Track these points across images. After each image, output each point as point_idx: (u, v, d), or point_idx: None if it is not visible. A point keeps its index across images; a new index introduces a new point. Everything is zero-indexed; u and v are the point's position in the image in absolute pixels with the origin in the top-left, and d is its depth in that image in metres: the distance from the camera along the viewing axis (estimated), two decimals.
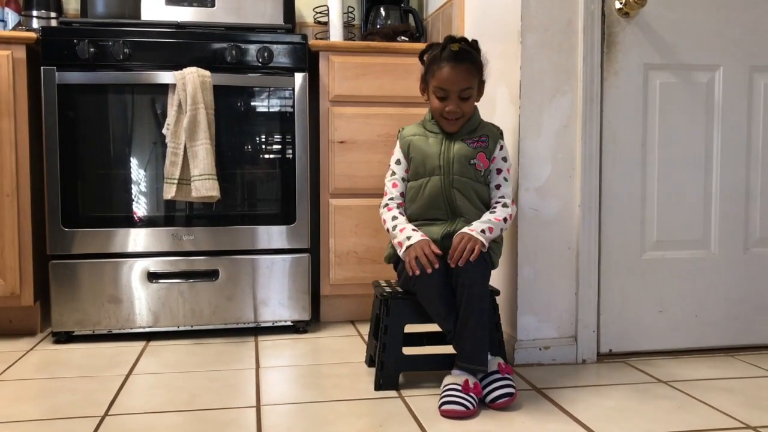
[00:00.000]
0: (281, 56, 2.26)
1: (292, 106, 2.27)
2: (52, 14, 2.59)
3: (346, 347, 2.15)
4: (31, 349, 2.14)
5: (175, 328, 2.25)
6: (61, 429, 1.50)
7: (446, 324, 1.67)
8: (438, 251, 1.65)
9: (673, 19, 2.00)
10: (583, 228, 1.96)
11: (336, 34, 2.62)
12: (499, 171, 1.79)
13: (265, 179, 2.29)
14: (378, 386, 1.74)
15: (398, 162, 1.83)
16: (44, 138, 2.14)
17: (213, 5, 2.59)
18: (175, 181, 2.14)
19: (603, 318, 2.02)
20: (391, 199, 1.81)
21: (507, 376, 1.66)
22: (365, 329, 2.32)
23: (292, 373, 1.91)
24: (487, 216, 1.73)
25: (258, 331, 2.33)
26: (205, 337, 2.25)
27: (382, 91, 2.38)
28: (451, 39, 1.73)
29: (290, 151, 2.28)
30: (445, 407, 1.56)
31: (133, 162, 2.21)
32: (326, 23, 2.73)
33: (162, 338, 2.24)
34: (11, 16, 2.50)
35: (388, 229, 1.77)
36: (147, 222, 2.21)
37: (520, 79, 1.92)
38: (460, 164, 1.74)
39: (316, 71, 2.37)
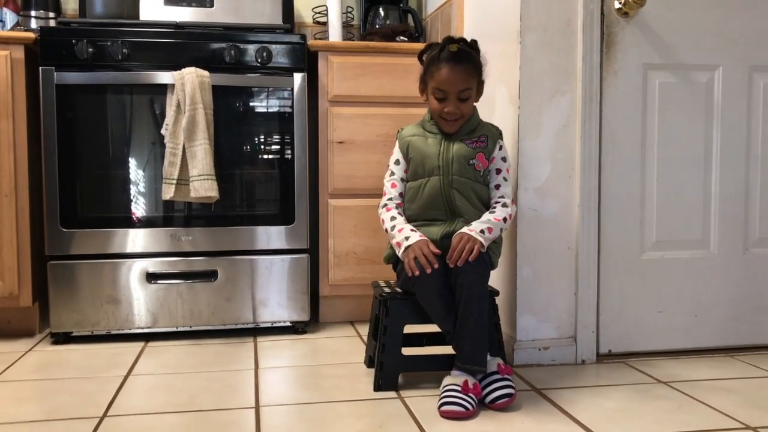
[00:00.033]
0: (280, 56, 2.25)
1: (291, 107, 2.27)
2: (51, 14, 2.58)
3: (346, 348, 2.15)
4: (30, 349, 2.14)
5: (174, 329, 2.25)
6: (60, 430, 1.50)
7: (445, 324, 1.67)
8: (437, 251, 1.65)
9: (673, 19, 2.00)
10: (583, 228, 1.96)
11: (335, 34, 2.62)
12: (498, 171, 1.79)
13: (264, 179, 2.29)
14: (377, 387, 1.74)
15: (397, 162, 1.83)
16: (43, 138, 2.14)
17: (212, 5, 2.58)
18: (174, 182, 2.14)
19: (602, 318, 2.02)
20: (390, 199, 1.81)
21: (506, 376, 1.65)
22: (364, 330, 2.31)
23: (291, 373, 1.91)
24: (486, 216, 1.72)
25: (257, 331, 2.33)
26: (204, 338, 2.25)
27: (381, 91, 2.37)
28: (449, 40, 1.73)
29: (289, 152, 2.28)
30: (445, 408, 1.56)
31: (132, 162, 2.21)
32: (325, 23, 2.73)
33: (161, 339, 2.23)
34: (9, 17, 2.49)
35: (386, 230, 1.77)
36: (146, 222, 2.21)
37: (520, 79, 1.92)
38: (459, 164, 1.73)
39: (315, 71, 2.36)
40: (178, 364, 1.98)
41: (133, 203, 2.21)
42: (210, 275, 2.24)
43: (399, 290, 1.81)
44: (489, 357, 1.68)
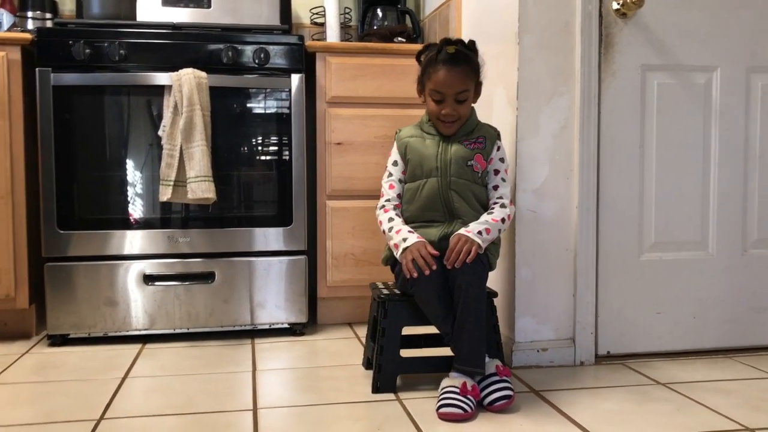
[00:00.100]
0: (278, 57, 2.25)
1: (289, 108, 2.26)
2: (48, 15, 2.58)
3: (344, 350, 2.14)
4: (26, 352, 2.13)
5: (172, 331, 2.24)
6: None
7: (444, 326, 1.67)
8: (435, 253, 1.64)
9: (671, 20, 2.00)
10: (581, 229, 1.95)
11: (333, 35, 2.62)
12: (496, 172, 1.79)
13: (262, 181, 2.28)
14: (375, 389, 1.73)
15: (395, 163, 1.82)
16: (39, 140, 2.13)
17: (209, 6, 2.58)
18: (171, 183, 2.14)
19: (601, 320, 2.01)
20: (388, 200, 1.81)
21: (505, 378, 1.65)
22: (362, 331, 2.31)
23: (289, 375, 1.90)
24: (484, 217, 1.72)
25: (255, 333, 2.32)
26: (202, 340, 2.24)
27: (379, 92, 2.37)
28: (447, 41, 1.72)
29: (287, 153, 2.27)
30: (443, 410, 1.55)
31: (129, 164, 2.20)
32: (323, 24, 2.73)
33: (158, 341, 2.23)
34: (6, 18, 2.49)
35: (384, 231, 1.77)
36: (143, 224, 2.20)
37: (518, 80, 1.92)
38: (458, 166, 1.73)
39: (312, 72, 2.36)
40: (176, 366, 1.97)
41: (130, 205, 2.20)
42: (207, 277, 2.24)
43: (397, 292, 1.81)
44: (487, 358, 1.68)
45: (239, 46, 2.22)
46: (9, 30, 2.48)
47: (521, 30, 1.91)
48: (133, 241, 2.19)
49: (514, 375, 1.86)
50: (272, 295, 2.28)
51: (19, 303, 2.20)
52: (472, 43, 1.77)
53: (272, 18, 2.63)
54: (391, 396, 1.71)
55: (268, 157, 2.28)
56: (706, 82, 2.05)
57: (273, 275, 2.28)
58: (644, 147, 2.02)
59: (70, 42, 2.12)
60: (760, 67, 2.07)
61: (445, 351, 1.72)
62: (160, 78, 2.16)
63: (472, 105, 1.79)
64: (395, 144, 1.84)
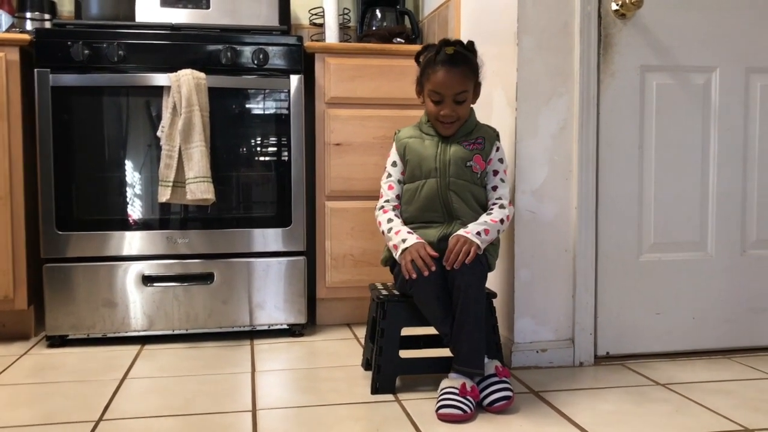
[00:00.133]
0: (277, 58, 2.25)
1: (288, 108, 2.26)
2: (46, 16, 2.57)
3: (343, 350, 2.14)
4: (25, 353, 2.12)
5: (170, 332, 2.24)
6: None
7: (443, 327, 1.67)
8: (434, 254, 1.64)
9: (670, 21, 2.00)
10: (580, 230, 1.95)
11: (332, 35, 2.62)
12: (495, 172, 1.78)
13: (261, 182, 2.28)
14: (375, 390, 1.73)
15: (394, 164, 1.82)
16: (38, 141, 2.13)
17: (208, 7, 2.57)
18: (170, 184, 2.13)
19: (600, 320, 2.01)
20: (387, 201, 1.81)
21: (504, 379, 1.65)
22: (362, 332, 2.31)
23: (289, 376, 1.90)
24: (483, 218, 1.72)
25: (254, 334, 2.32)
26: (201, 341, 2.24)
27: (378, 93, 2.37)
28: (445, 42, 1.72)
29: (286, 154, 2.27)
30: (443, 411, 1.55)
31: (128, 165, 2.20)
32: (322, 25, 2.73)
33: (157, 342, 2.23)
34: (4, 18, 2.48)
35: (383, 232, 1.76)
36: (142, 225, 2.20)
37: (517, 81, 1.92)
38: (457, 166, 1.73)
39: (311, 73, 2.36)
40: (175, 367, 1.97)
41: (129, 206, 2.20)
42: (206, 278, 2.24)
43: (396, 293, 1.81)
44: (487, 359, 1.67)
45: (238, 47, 2.22)
46: (7, 31, 2.48)
47: (520, 31, 1.91)
48: (132, 242, 2.19)
49: (513, 376, 1.86)
50: (271, 296, 2.28)
51: (17, 304, 2.20)
52: (470, 43, 1.77)
53: (271, 19, 2.63)
54: (391, 397, 1.71)
55: (266, 158, 2.28)
56: (705, 83, 2.05)
57: (272, 276, 2.27)
58: (643, 148, 2.02)
59: (69, 43, 2.12)
60: (759, 67, 2.07)
61: (445, 352, 1.72)
62: (159, 79, 2.16)
63: (471, 106, 1.79)
64: (394, 145, 1.84)
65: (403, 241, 1.68)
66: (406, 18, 2.78)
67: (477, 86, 1.78)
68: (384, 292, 1.81)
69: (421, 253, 1.63)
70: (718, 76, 2.05)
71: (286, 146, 2.26)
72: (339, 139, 2.35)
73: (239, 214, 2.27)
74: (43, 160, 2.13)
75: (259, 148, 2.27)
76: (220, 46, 2.21)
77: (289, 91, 2.26)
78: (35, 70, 2.11)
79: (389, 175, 1.83)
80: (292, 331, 2.32)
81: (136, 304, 2.20)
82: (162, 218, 2.21)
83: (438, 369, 1.71)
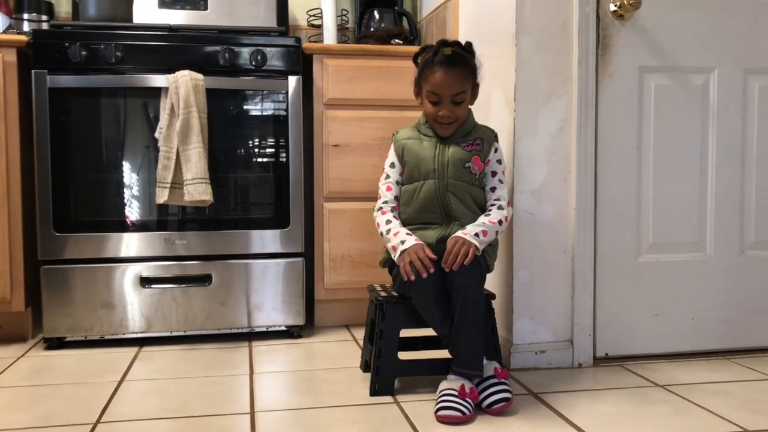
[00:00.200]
0: (275, 59, 2.25)
1: (286, 110, 2.26)
2: (44, 17, 2.57)
3: (341, 352, 2.14)
4: (22, 355, 2.12)
5: (168, 334, 2.23)
6: None
7: (442, 329, 1.66)
8: (432, 256, 1.64)
9: (668, 22, 2.00)
10: (579, 231, 1.95)
11: (330, 37, 2.61)
12: (494, 173, 1.78)
13: (259, 183, 2.28)
14: (373, 392, 1.73)
15: (392, 165, 1.82)
16: (35, 142, 2.12)
17: (206, 8, 2.57)
18: (168, 186, 2.13)
19: (599, 321, 2.01)
20: (385, 202, 1.80)
21: (503, 380, 1.65)
22: (360, 334, 2.30)
23: (287, 378, 1.90)
24: (481, 219, 1.72)
25: (252, 336, 2.32)
26: (199, 343, 2.24)
27: (377, 94, 2.37)
28: (444, 43, 1.72)
29: (284, 155, 2.27)
30: (441, 413, 1.55)
31: (126, 166, 2.19)
32: (320, 26, 2.72)
33: (155, 344, 2.22)
34: (1, 19, 2.48)
35: (382, 233, 1.76)
36: (139, 226, 2.20)
37: (515, 81, 1.92)
38: (455, 167, 1.73)
39: (309, 74, 2.36)
40: (173, 369, 1.97)
41: (126, 207, 2.19)
42: (204, 279, 2.23)
43: (395, 294, 1.80)
44: (485, 361, 1.67)
45: (236, 48, 2.22)
46: (5, 32, 2.47)
47: (518, 31, 1.91)
48: (130, 243, 2.19)
49: (512, 377, 1.86)
50: (269, 297, 2.27)
51: (15, 306, 2.19)
52: (469, 44, 1.76)
53: (269, 20, 2.63)
54: (389, 399, 1.70)
55: (265, 159, 2.27)
56: (704, 84, 2.05)
57: (270, 277, 2.27)
58: (642, 148, 2.02)
59: (67, 44, 2.11)
60: (757, 68, 2.07)
61: (443, 353, 1.71)
62: (157, 80, 2.15)
63: (470, 106, 1.79)
64: (392, 146, 1.83)
65: (402, 242, 1.68)
66: (405, 19, 2.78)
67: (475, 87, 1.78)
68: (383, 294, 1.81)
69: (420, 254, 1.63)
70: (717, 77, 2.05)
71: (284, 147, 2.26)
72: (337, 140, 2.35)
73: (237, 216, 2.26)
74: (40, 162, 2.12)
75: (257, 150, 2.26)
76: (217, 48, 2.20)
77: (287, 93, 2.25)
78: (32, 71, 2.11)
79: (387, 177, 1.82)
80: (291, 333, 2.31)
81: (134, 306, 2.20)
82: (160, 220, 2.21)
83: (437, 371, 1.71)
